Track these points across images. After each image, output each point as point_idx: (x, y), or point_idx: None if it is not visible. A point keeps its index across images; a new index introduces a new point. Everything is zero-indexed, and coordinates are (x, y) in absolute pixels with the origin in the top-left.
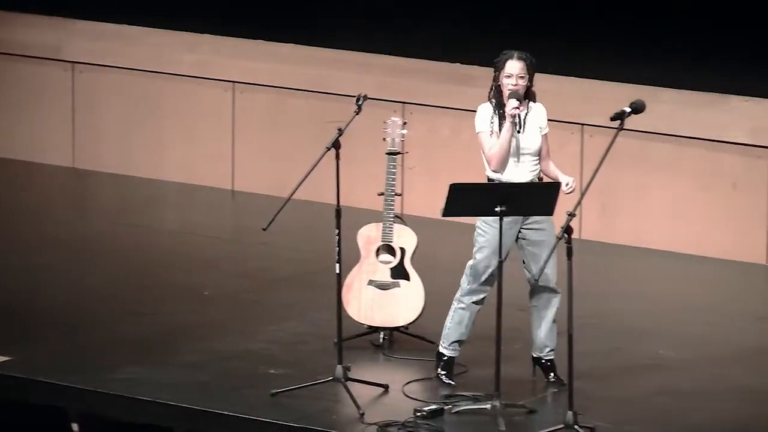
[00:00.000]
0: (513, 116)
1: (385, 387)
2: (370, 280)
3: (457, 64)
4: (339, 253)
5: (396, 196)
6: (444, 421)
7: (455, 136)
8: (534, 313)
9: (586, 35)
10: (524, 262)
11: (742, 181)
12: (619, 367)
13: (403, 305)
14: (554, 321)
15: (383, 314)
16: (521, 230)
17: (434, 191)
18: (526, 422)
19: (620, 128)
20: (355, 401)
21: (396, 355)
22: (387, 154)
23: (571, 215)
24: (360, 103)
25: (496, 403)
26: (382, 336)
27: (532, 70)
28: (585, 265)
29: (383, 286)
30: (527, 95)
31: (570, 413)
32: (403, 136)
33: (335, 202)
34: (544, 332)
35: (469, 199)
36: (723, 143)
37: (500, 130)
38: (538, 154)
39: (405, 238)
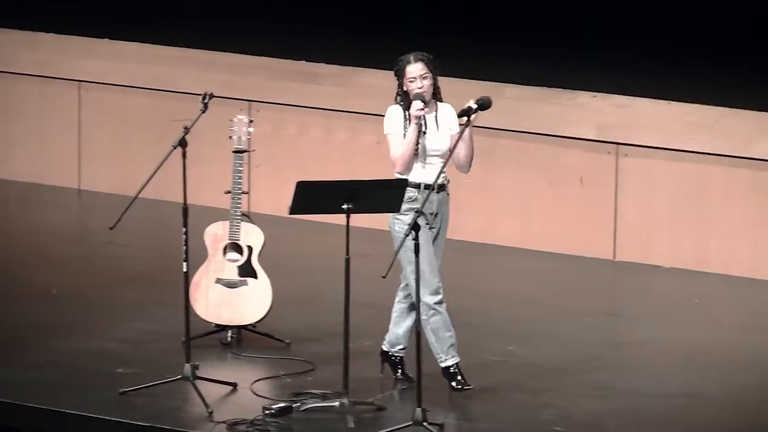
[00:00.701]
0: (418, 118)
1: (234, 385)
2: (218, 279)
3: (303, 61)
4: (186, 251)
5: (243, 195)
6: (292, 419)
7: (301, 134)
8: (399, 310)
9: (431, 32)
10: None
11: (588, 176)
12: (468, 364)
13: (250, 303)
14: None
15: (231, 312)
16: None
17: (281, 189)
18: (375, 420)
19: (467, 125)
20: (203, 400)
21: (244, 354)
22: (233, 152)
23: (419, 212)
24: (206, 101)
25: (345, 401)
26: (230, 334)
27: (432, 67)
28: None
29: (231, 285)
30: (434, 95)
31: (419, 410)
32: (249, 134)
33: (182, 201)
34: (403, 331)
35: (315, 196)
36: (569, 139)
37: (405, 131)
38: (447, 154)
39: (252, 236)
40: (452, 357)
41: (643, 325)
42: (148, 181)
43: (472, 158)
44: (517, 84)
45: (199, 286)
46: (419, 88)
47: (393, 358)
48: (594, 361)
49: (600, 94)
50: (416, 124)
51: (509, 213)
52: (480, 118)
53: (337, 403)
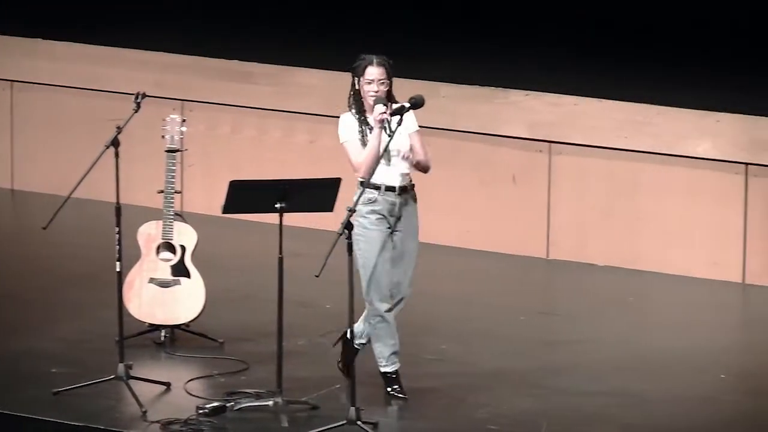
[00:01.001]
0: (381, 122)
1: (167, 385)
2: (151, 278)
3: (236, 61)
4: (119, 251)
5: (176, 194)
6: (226, 419)
7: (235, 134)
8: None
9: (366, 31)
10: None
11: (521, 175)
12: (403, 362)
13: (184, 303)
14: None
15: (164, 312)
16: (392, 236)
17: (214, 188)
18: (309, 419)
19: (399, 123)
20: (137, 399)
21: (178, 353)
22: (166, 151)
23: (351, 211)
24: (139, 100)
25: (279, 400)
26: (163, 334)
27: (391, 74)
28: None
29: (164, 284)
30: (389, 98)
31: (353, 409)
32: (182, 133)
33: (115, 200)
34: (366, 327)
35: (248, 196)
36: (502, 137)
37: (364, 137)
38: (409, 155)
39: (185, 235)
40: (393, 364)
41: (577, 324)
42: (81, 181)
43: (425, 158)
44: (450, 83)
45: (132, 285)
46: (375, 92)
47: (356, 347)
48: (528, 359)
49: (533, 92)
50: (379, 128)
51: (442, 212)
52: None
53: (270, 403)
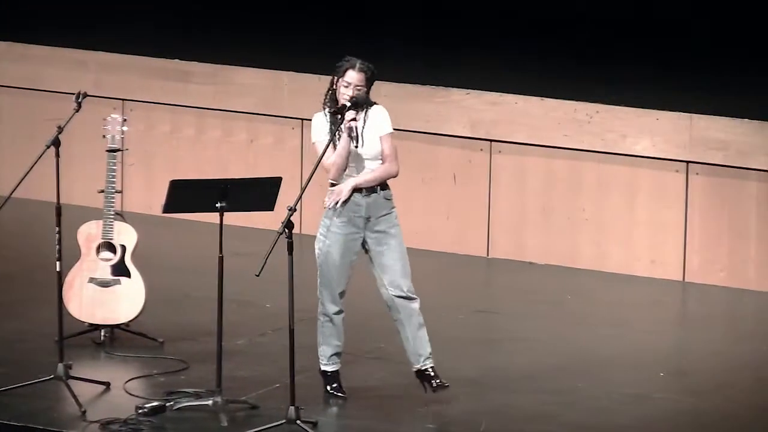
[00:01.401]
0: (350, 129)
1: (107, 384)
2: (91, 278)
3: (176, 60)
4: (59, 251)
5: (116, 193)
6: (166, 418)
7: (174, 133)
8: (398, 327)
9: (306, 30)
10: (375, 275)
11: (462, 174)
12: (341, 361)
13: (124, 302)
14: (421, 327)
15: (104, 311)
16: (366, 239)
17: (154, 188)
18: (248, 418)
19: (340, 122)
20: (76, 399)
21: (117, 353)
22: (107, 151)
23: (292, 210)
24: (79, 100)
25: (218, 399)
26: (103, 333)
27: (371, 82)
28: (305, 260)
29: (104, 284)
30: (365, 102)
31: (292, 408)
32: (123, 132)
33: (55, 200)
34: (411, 342)
35: (188, 195)
36: (443, 136)
37: (334, 137)
38: (380, 157)
39: (125, 235)
40: (334, 364)
41: (516, 322)
42: (21, 181)
43: (388, 167)
44: (391, 82)
45: (72, 285)
46: (350, 96)
47: (425, 372)
48: (466, 358)
49: (473, 91)
50: (348, 135)
51: None
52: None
53: (210, 402)
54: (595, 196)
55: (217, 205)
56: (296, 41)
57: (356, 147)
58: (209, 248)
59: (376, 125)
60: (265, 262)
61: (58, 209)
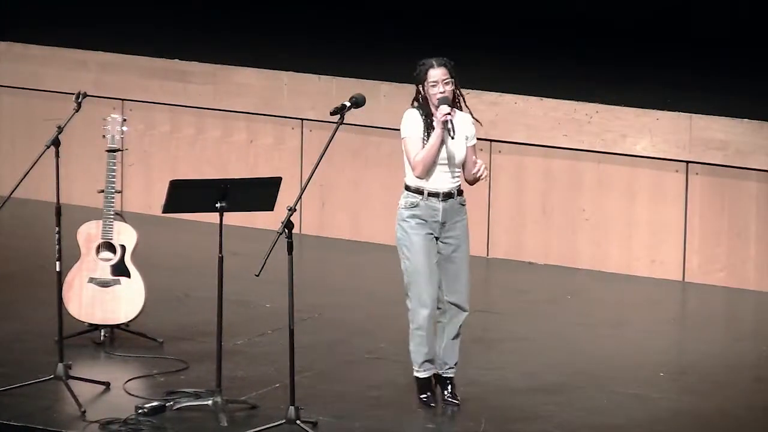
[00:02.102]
0: (445, 122)
1: (107, 384)
2: (91, 278)
3: (176, 60)
4: (59, 251)
5: (116, 193)
6: (165, 418)
7: (174, 133)
8: (438, 329)
9: (307, 31)
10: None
11: None
12: (340, 361)
13: (123, 302)
14: (456, 337)
15: (104, 312)
16: (438, 243)
17: (153, 188)
18: (248, 418)
19: (340, 122)
20: (76, 399)
21: (117, 353)
22: (107, 151)
23: (292, 210)
24: (79, 100)
25: (218, 399)
26: (102, 333)
27: (453, 74)
28: (305, 260)
29: (104, 284)
30: (454, 102)
31: (292, 408)
32: (122, 133)
33: (55, 200)
34: (443, 348)
35: (188, 195)
36: None
37: (428, 137)
38: (462, 164)
39: (125, 235)
40: (426, 371)
41: (516, 322)
42: (21, 181)
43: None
44: (391, 82)
45: (72, 285)
46: (441, 92)
47: (443, 378)
48: (466, 357)
49: (473, 91)
50: (442, 129)
51: (382, 212)
52: (353, 115)
53: (210, 402)
54: (594, 196)
55: (217, 205)
56: (296, 41)
57: (452, 138)
58: (209, 248)
59: (465, 131)
60: (265, 262)
61: (58, 209)
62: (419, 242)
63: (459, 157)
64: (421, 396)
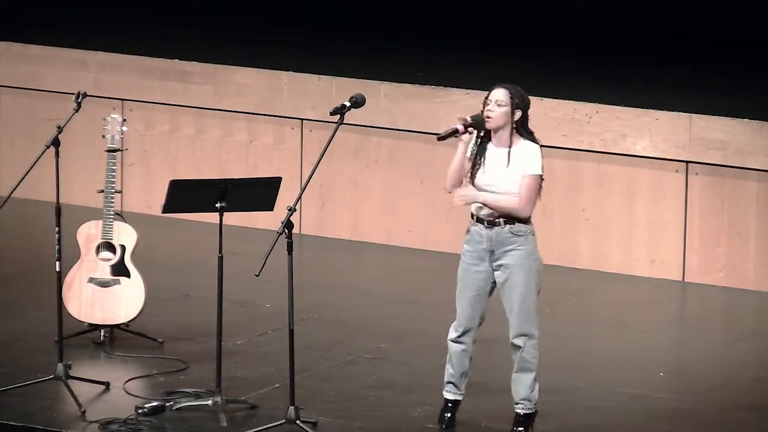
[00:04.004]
0: (452, 127)
1: (107, 384)
2: (91, 278)
3: (176, 60)
4: (59, 251)
5: (116, 194)
6: (165, 418)
7: (174, 133)
8: (453, 350)
9: (298, 31)
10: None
11: None
12: (340, 361)
13: (123, 302)
14: (519, 371)
15: (104, 312)
16: (493, 272)
17: (153, 188)
18: (248, 418)
19: (340, 122)
20: (76, 399)
21: (117, 353)
22: (107, 151)
23: (292, 210)
24: (79, 100)
25: (218, 399)
26: (102, 333)
27: (517, 102)
28: (305, 260)
29: (103, 284)
30: (517, 130)
31: (292, 408)
32: (122, 132)
33: (54, 200)
34: (512, 382)
35: (188, 195)
36: None
37: (477, 154)
38: (513, 194)
39: (125, 235)
40: (449, 393)
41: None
42: (21, 181)
43: (515, 204)
44: (391, 82)
45: (71, 285)
46: (488, 110)
47: (515, 412)
48: None
49: (473, 91)
50: (461, 141)
51: (382, 211)
52: (353, 115)
53: (209, 402)
54: (594, 196)
55: (216, 205)
56: (296, 41)
57: (469, 159)
58: (209, 248)
59: (520, 162)
60: (265, 262)
61: (58, 209)
62: (461, 270)
63: (504, 185)
64: (441, 414)
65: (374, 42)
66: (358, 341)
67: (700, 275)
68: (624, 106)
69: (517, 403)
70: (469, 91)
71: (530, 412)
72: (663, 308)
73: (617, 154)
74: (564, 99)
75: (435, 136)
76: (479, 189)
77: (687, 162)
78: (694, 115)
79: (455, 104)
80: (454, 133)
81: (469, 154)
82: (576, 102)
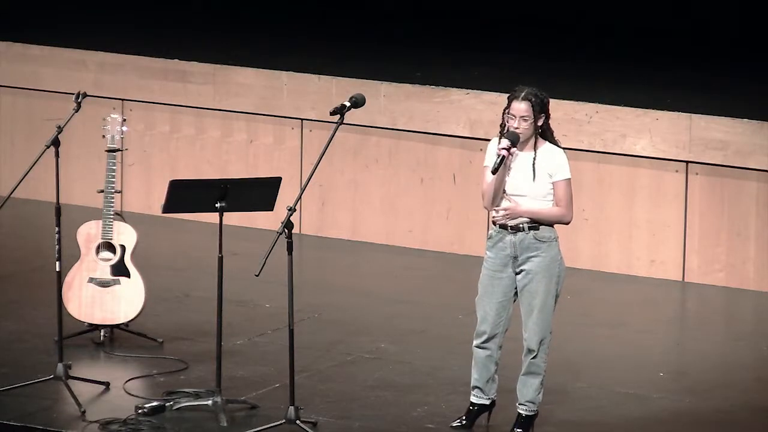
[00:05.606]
0: (499, 156)
1: (107, 384)
2: (91, 278)
3: (175, 60)
4: (59, 251)
5: (116, 194)
6: (165, 418)
7: (174, 133)
8: (476, 356)
9: (298, 31)
10: None
11: (461, 174)
12: (340, 361)
13: (123, 302)
14: (526, 374)
15: (104, 311)
16: (516, 277)
17: (153, 188)
18: (248, 418)
19: (340, 122)
20: (76, 399)
21: (117, 353)
22: (107, 151)
23: (292, 210)
24: (79, 100)
25: (218, 399)
26: (102, 333)
27: (539, 109)
28: (305, 260)
29: (103, 284)
30: (542, 135)
31: (291, 408)
32: (122, 133)
33: (54, 200)
34: (519, 383)
35: (188, 195)
36: (442, 136)
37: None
38: (539, 199)
39: (125, 235)
40: (474, 396)
41: (514, 322)
42: (21, 181)
43: (557, 212)
44: (390, 81)
45: (71, 285)
46: (515, 127)
47: (518, 413)
48: (465, 358)
49: (473, 91)
50: (498, 163)
51: (382, 211)
52: (353, 115)
53: (209, 402)
54: (594, 196)
55: (216, 205)
56: (296, 41)
57: (506, 176)
58: (209, 248)
59: (546, 167)
60: (265, 262)
61: (58, 209)
62: (484, 276)
63: (533, 192)
64: (461, 416)
65: (374, 42)
66: (358, 341)
67: (700, 275)
68: (624, 106)
69: (521, 404)
70: (469, 91)
71: (532, 414)
72: (663, 308)
73: (617, 154)
74: (564, 99)
75: (435, 137)
76: (510, 195)
77: (687, 162)
78: (694, 115)
79: (455, 104)
80: (504, 160)
81: (493, 165)
82: (576, 102)
